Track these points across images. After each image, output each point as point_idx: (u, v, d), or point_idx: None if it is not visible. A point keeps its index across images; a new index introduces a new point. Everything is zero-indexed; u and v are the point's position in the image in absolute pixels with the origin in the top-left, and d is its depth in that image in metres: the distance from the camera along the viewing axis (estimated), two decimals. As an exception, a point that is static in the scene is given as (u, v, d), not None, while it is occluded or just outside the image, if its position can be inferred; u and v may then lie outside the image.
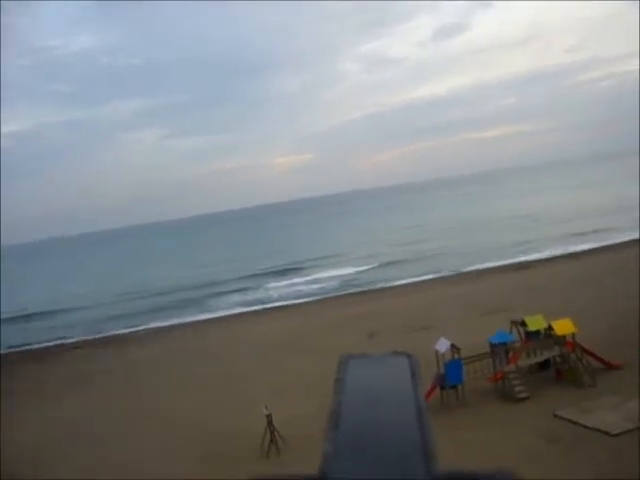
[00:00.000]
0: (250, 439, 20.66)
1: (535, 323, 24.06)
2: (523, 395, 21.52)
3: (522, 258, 58.64)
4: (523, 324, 24.47)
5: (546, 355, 23.34)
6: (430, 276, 56.09)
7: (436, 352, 22.24)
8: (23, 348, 49.67)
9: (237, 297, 62.31)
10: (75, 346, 47.96)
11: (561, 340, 23.12)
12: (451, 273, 56.31)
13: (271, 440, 20.13)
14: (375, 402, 1.08)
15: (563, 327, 23.09)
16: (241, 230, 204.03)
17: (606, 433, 17.83)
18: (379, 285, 55.72)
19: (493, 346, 22.85)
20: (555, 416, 19.52)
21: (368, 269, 66.73)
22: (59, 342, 50.47)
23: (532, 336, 24.11)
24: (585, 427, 18.39)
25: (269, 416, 20.09)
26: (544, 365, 23.60)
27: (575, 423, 18.81)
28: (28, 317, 65.09)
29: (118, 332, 51.70)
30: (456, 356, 22.62)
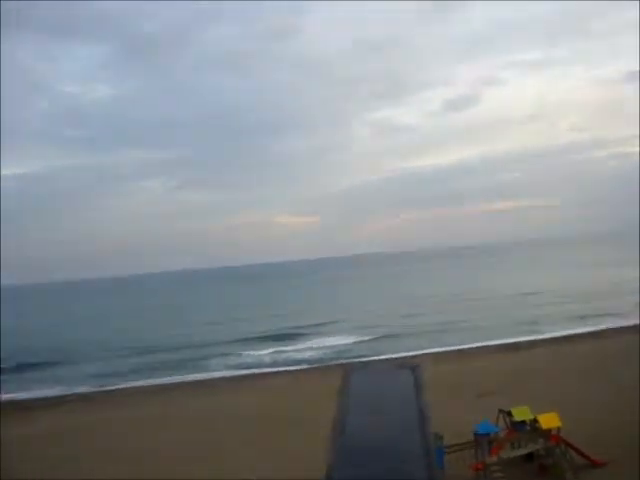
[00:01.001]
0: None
1: (521, 414, 23.94)
2: (504, 489, 21.24)
3: (519, 338, 58.56)
4: (510, 414, 24.39)
5: (530, 448, 23.15)
6: (425, 351, 55.86)
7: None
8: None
9: (225, 360, 61.88)
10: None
11: (546, 433, 22.96)
12: (447, 349, 56.16)
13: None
14: (378, 412, 1.24)
15: (549, 421, 22.96)
16: (240, 288, 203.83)
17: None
18: (374, 358, 55.37)
19: (477, 436, 22.71)
20: (535, 514, 19.25)
21: (363, 340, 66.09)
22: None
23: (518, 426, 23.99)
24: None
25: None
26: (528, 457, 23.37)
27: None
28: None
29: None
30: (439, 443, 22.41)
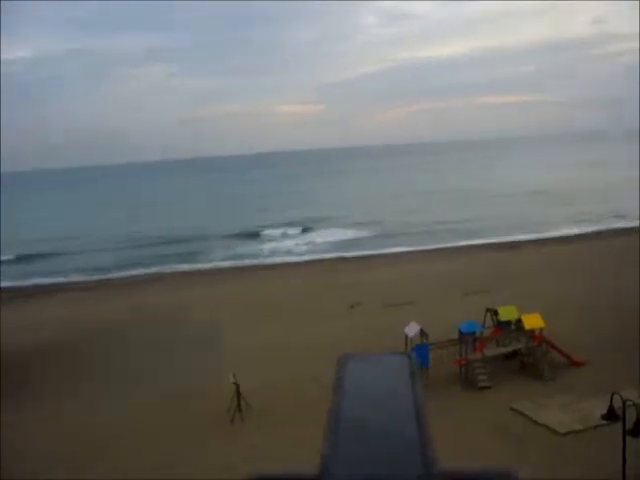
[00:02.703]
0: (218, 403, 21.49)
1: (507, 314, 24.73)
2: (484, 384, 22.27)
3: (516, 237, 58.87)
4: (496, 313, 25.17)
5: (514, 346, 24.06)
6: (423, 247, 56.37)
7: (405, 335, 23.02)
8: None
9: (227, 251, 62.42)
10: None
11: (529, 333, 23.78)
12: (444, 246, 56.58)
13: (237, 407, 20.93)
14: (374, 402, 1.39)
15: (532, 321, 23.73)
16: (241, 177, 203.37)
17: (554, 431, 18.60)
18: (372, 252, 56.11)
19: (462, 334, 23.54)
20: (511, 409, 20.28)
21: (361, 237, 66.38)
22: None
23: (503, 326, 24.83)
24: (536, 423, 19.15)
25: (236, 384, 20.83)
26: (511, 355, 24.32)
27: (528, 417, 19.59)
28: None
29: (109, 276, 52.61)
30: (424, 341, 23.35)
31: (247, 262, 55.85)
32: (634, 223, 60.15)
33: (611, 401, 13.69)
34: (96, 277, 52.67)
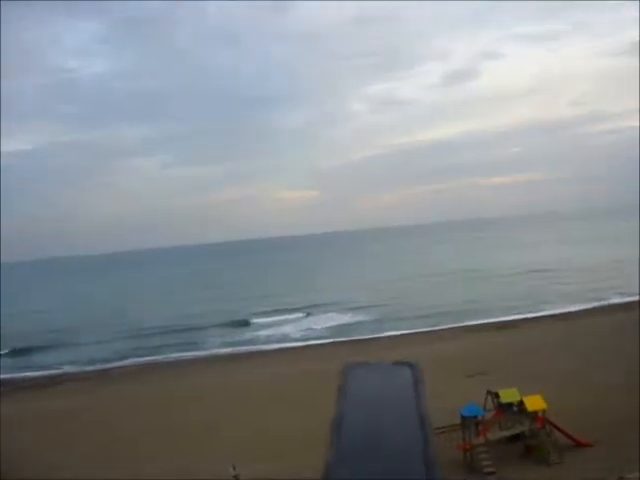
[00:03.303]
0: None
1: (509, 396, 24.46)
2: (489, 469, 21.79)
3: (512, 317, 58.92)
4: (497, 395, 24.88)
5: (517, 429, 23.68)
6: (420, 330, 56.26)
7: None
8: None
9: (224, 339, 62.14)
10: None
11: (532, 415, 23.46)
12: (443, 328, 56.51)
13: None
14: (377, 410, 1.39)
15: (534, 403, 23.46)
16: (239, 264, 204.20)
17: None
18: (370, 336, 55.81)
19: (464, 418, 23.20)
20: (518, 495, 19.80)
21: (362, 320, 66.07)
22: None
23: (505, 408, 24.50)
24: (545, 510, 18.65)
25: (236, 477, 20.36)
26: (514, 438, 23.89)
27: (536, 504, 19.09)
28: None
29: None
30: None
31: (244, 349, 55.55)
32: (633, 298, 60.29)
33: (618, 484, 13.43)
34: (91, 368, 52.15)
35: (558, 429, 23.46)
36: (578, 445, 23.25)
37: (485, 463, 21.96)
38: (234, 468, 20.72)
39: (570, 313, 58.07)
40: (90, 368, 52.42)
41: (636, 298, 59.60)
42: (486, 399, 25.41)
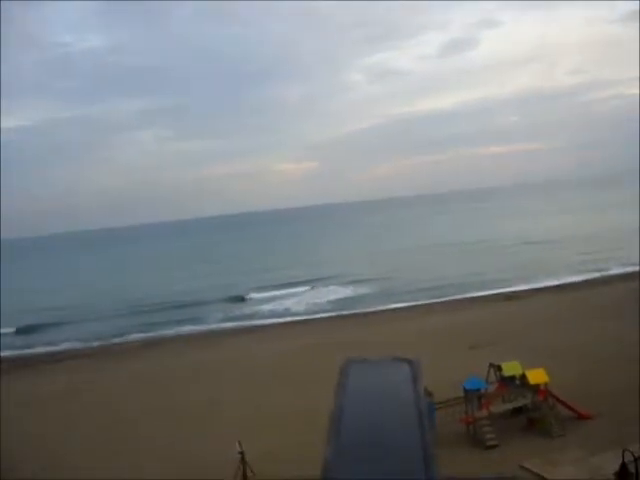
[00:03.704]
0: (223, 473, 21.05)
1: (511, 369, 24.46)
2: (492, 442, 21.89)
3: (514, 288, 58.98)
4: (499, 368, 24.93)
5: (519, 402, 23.76)
6: (425, 302, 56.42)
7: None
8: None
9: (226, 313, 62.19)
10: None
11: (534, 388, 23.53)
12: (445, 300, 56.62)
13: (243, 477, 20.52)
14: (376, 406, 1.37)
15: (537, 377, 23.49)
16: (240, 236, 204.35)
17: (567, 489, 18.24)
18: (373, 309, 55.99)
19: (466, 392, 23.29)
20: (521, 467, 19.91)
21: (364, 293, 66.24)
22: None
23: (507, 381, 24.55)
24: (548, 481, 18.78)
25: (242, 454, 20.45)
26: (517, 411, 24.00)
27: (539, 476, 19.21)
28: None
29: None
30: (429, 400, 23.00)
31: (244, 324, 55.66)
32: (635, 268, 60.30)
33: (623, 458, 13.51)
34: (91, 345, 52.48)
35: (560, 401, 23.54)
36: (580, 417, 23.35)
37: (488, 436, 22.07)
38: (239, 444, 20.78)
39: (573, 284, 58.08)
40: (90, 345, 52.66)
41: (637, 268, 59.73)
42: (488, 372, 25.47)
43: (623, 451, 13.61)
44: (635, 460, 12.87)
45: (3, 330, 61.32)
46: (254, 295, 70.56)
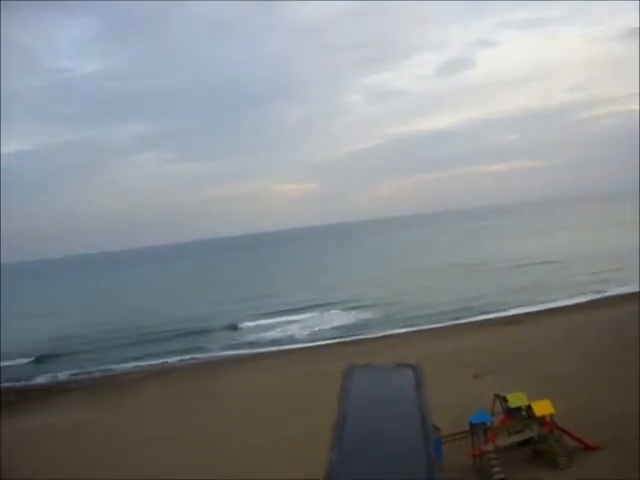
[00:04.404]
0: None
1: (517, 400, 24.43)
2: (500, 477, 21.78)
3: (515, 311, 59.00)
4: (505, 400, 24.88)
5: (526, 435, 23.69)
6: (425, 327, 56.35)
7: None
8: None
9: (227, 341, 61.98)
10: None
11: (540, 420, 23.47)
12: (444, 325, 56.60)
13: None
14: (379, 412, 1.40)
15: (542, 408, 23.46)
16: (240, 259, 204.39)
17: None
18: (375, 335, 55.85)
19: (473, 425, 23.24)
20: (529, 502, 19.82)
21: (366, 319, 65.84)
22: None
23: (513, 412, 24.50)
24: (557, 518, 18.68)
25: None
26: (523, 442, 23.91)
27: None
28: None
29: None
30: (436, 435, 22.95)
31: (247, 352, 55.42)
32: (636, 288, 60.20)
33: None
34: (99, 375, 52.33)
35: (566, 433, 23.46)
36: (587, 448, 23.24)
37: (495, 470, 21.97)
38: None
39: (575, 305, 57.99)
40: (85, 377, 52.57)
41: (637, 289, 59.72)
42: (494, 403, 25.42)
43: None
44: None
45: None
46: (256, 322, 70.26)
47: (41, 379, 52.99)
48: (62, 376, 53.29)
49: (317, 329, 62.92)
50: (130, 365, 54.24)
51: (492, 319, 56.49)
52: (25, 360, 61.79)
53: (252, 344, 58.80)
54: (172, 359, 54.92)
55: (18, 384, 51.27)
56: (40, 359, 62.12)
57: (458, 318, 58.74)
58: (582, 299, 61.03)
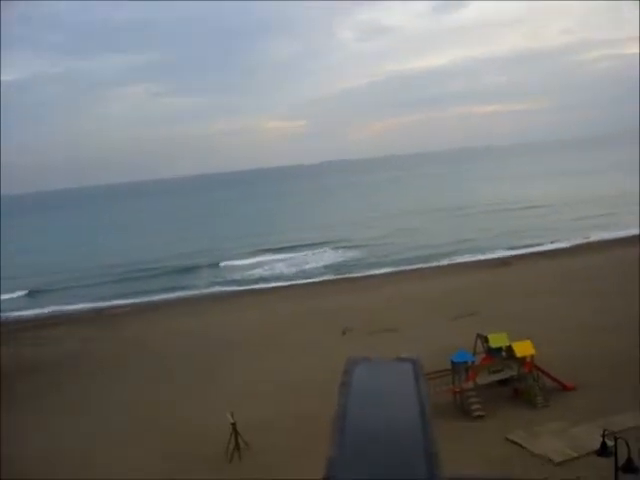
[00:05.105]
0: (216, 443, 21.58)
1: (498, 341, 25.04)
2: (479, 413, 22.56)
3: (504, 253, 59.52)
4: (486, 340, 25.46)
5: (506, 374, 24.40)
6: (413, 267, 56.84)
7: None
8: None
9: (216, 278, 62.26)
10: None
11: (520, 361, 24.11)
12: (430, 265, 57.06)
13: (235, 446, 21.06)
14: (379, 406, 1.51)
15: (523, 349, 24.08)
16: (229, 197, 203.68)
17: (550, 461, 18.90)
18: (362, 274, 56.39)
19: (454, 364, 23.84)
20: (506, 439, 20.53)
21: (352, 258, 66.49)
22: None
23: (494, 353, 25.14)
24: (532, 454, 19.42)
25: (233, 424, 20.96)
26: (503, 382, 24.61)
27: (523, 448, 19.86)
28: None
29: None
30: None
31: (238, 288, 55.76)
32: (623, 233, 60.65)
33: (603, 437, 13.97)
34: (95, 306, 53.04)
35: (545, 373, 24.15)
36: (564, 389, 23.99)
37: (474, 407, 22.72)
38: (231, 415, 21.28)
39: (562, 250, 58.48)
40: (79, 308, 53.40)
41: (624, 233, 60.22)
42: (475, 342, 26.05)
43: (604, 431, 14.09)
44: (615, 440, 13.35)
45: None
46: (246, 260, 70.49)
47: (35, 312, 53.46)
48: (53, 309, 53.68)
49: (306, 267, 63.36)
50: (118, 302, 54.45)
51: (479, 261, 56.99)
52: (20, 293, 62.57)
53: (239, 282, 59.05)
54: (159, 297, 54.98)
55: (12, 316, 51.91)
56: (33, 293, 62.76)
57: (445, 259, 59.27)
58: (570, 243, 61.45)
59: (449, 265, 56.93)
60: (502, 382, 24.53)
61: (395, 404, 1.45)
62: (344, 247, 72.82)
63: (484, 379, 24.14)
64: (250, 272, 63.63)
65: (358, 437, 1.27)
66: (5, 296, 59.31)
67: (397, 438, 1.26)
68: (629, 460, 13.06)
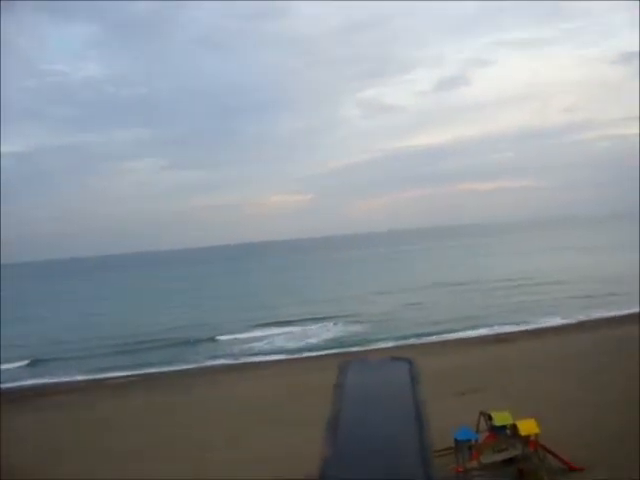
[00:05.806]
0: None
1: (501, 419, 24.41)
2: (483, 494, 21.76)
3: (503, 329, 59.15)
4: (490, 417, 24.84)
5: (510, 453, 23.66)
6: (408, 342, 56.42)
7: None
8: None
9: (216, 352, 61.33)
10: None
11: (525, 439, 23.43)
12: (429, 341, 56.67)
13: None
14: (374, 407, 1.33)
15: (527, 427, 23.43)
16: (232, 269, 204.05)
17: None
18: (362, 348, 55.69)
19: (457, 442, 23.18)
20: (512, 522, 19.72)
21: (352, 332, 65.78)
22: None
23: (498, 431, 24.47)
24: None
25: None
26: (508, 460, 23.85)
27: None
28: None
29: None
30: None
31: (236, 362, 55.11)
32: (626, 311, 60.40)
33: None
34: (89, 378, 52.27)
35: (551, 453, 23.43)
36: (571, 469, 23.22)
37: (479, 487, 21.94)
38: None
39: (565, 326, 58.16)
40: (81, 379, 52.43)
41: (629, 311, 59.93)
42: (479, 420, 25.40)
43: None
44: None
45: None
46: (244, 334, 69.61)
47: (34, 381, 52.93)
48: (52, 379, 53.13)
49: (308, 341, 62.69)
50: (114, 374, 53.77)
51: (482, 337, 56.58)
52: (22, 363, 61.94)
53: (236, 355, 58.39)
54: (155, 369, 54.28)
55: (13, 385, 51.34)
56: (34, 363, 62.08)
57: (447, 334, 58.90)
58: (575, 320, 61.13)
59: (451, 340, 56.43)
60: (506, 462, 23.77)
61: (390, 404, 1.34)
62: (347, 321, 72.26)
63: (488, 458, 23.39)
64: (248, 345, 62.96)
65: (353, 437, 1.15)
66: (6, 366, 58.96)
67: (392, 438, 1.14)
68: None
